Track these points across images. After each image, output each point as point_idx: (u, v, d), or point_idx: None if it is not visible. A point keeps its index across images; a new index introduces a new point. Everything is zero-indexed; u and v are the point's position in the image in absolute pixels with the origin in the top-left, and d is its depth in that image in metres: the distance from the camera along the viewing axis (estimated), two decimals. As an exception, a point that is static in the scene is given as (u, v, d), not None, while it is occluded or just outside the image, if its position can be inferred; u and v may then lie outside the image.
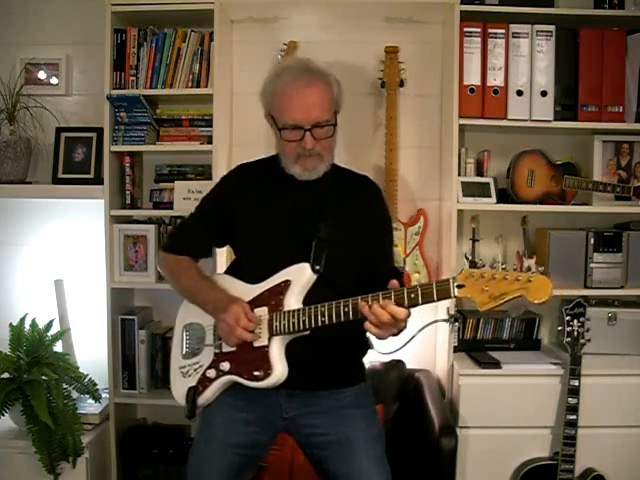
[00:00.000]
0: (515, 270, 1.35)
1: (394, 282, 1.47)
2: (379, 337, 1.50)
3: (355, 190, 1.77)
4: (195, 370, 1.71)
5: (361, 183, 1.82)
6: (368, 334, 1.77)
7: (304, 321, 1.53)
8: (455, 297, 1.39)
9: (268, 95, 1.68)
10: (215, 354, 1.68)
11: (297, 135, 1.61)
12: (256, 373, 1.57)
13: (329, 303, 1.51)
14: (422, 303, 1.42)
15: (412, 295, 1.42)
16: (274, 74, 1.69)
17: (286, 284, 1.60)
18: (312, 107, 1.60)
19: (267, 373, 1.56)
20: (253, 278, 1.66)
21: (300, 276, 1.60)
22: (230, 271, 1.79)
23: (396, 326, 1.46)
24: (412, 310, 1.47)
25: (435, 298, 1.40)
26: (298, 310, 1.55)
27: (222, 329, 1.61)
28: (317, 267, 1.60)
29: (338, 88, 1.68)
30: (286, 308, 1.57)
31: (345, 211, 1.70)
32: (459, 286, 1.37)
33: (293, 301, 1.58)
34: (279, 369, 1.55)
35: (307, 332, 1.56)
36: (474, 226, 2.52)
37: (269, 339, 1.58)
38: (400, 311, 1.42)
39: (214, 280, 1.76)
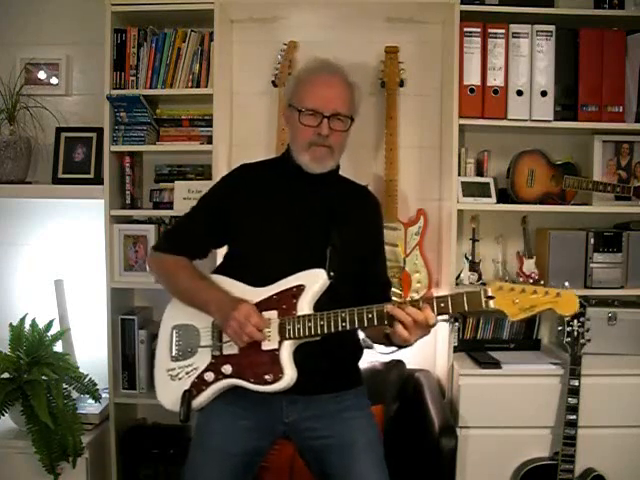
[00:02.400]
0: (537, 284, 1.42)
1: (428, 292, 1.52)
2: (405, 342, 1.49)
3: (357, 202, 1.79)
4: (187, 373, 1.67)
5: (362, 195, 1.84)
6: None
7: (322, 326, 1.52)
8: (486, 309, 1.42)
9: (292, 83, 1.73)
10: (214, 356, 1.65)
11: (315, 121, 1.64)
12: (267, 377, 1.55)
13: (350, 309, 1.51)
14: (452, 312, 1.45)
15: (442, 305, 1.45)
16: (301, 67, 1.78)
17: (299, 289, 1.58)
18: (334, 97, 1.66)
19: (278, 377, 1.54)
20: (255, 281, 1.64)
21: (315, 282, 1.58)
22: (221, 272, 1.74)
23: (425, 330, 1.48)
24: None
25: (466, 308, 1.43)
26: (315, 315, 1.54)
27: (231, 327, 1.56)
28: (332, 274, 1.59)
29: (358, 96, 1.74)
30: (299, 313, 1.56)
31: (348, 221, 1.70)
32: (490, 297, 1.41)
33: (306, 306, 1.57)
34: (289, 373, 1.54)
35: (318, 338, 1.55)
36: (474, 226, 2.53)
37: (280, 342, 1.56)
38: (433, 316, 1.45)
39: (214, 281, 1.72)
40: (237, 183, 1.79)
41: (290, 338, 1.55)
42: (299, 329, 1.54)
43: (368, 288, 1.69)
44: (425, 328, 1.47)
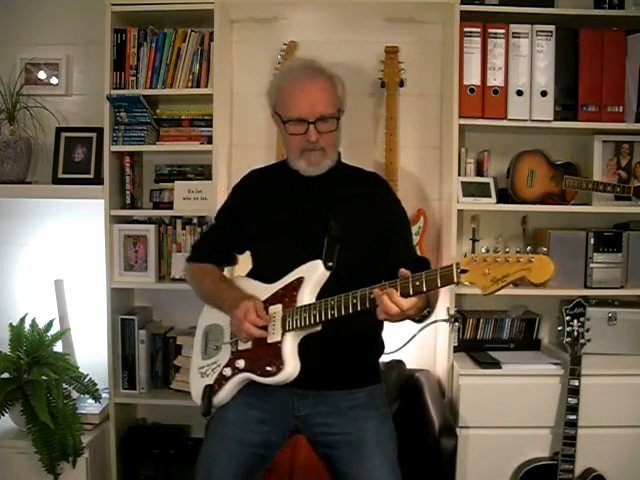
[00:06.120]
0: (518, 252, 1.33)
1: (402, 271, 1.44)
2: (390, 322, 1.50)
3: (363, 187, 1.79)
4: (213, 370, 1.74)
5: (369, 179, 1.84)
6: (382, 335, 1.80)
7: (315, 315, 1.54)
8: (458, 282, 1.37)
9: (274, 92, 1.73)
10: (232, 352, 1.71)
11: (301, 129, 1.66)
12: (268, 368, 1.59)
13: (338, 296, 1.52)
14: (427, 290, 1.41)
15: (417, 283, 1.41)
16: (280, 73, 1.78)
17: (299, 281, 1.63)
18: (316, 101, 1.65)
19: (279, 369, 1.58)
20: (269, 278, 1.69)
21: (313, 273, 1.62)
22: (250, 275, 1.82)
23: (403, 314, 1.44)
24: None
25: (439, 284, 1.39)
26: (309, 305, 1.57)
27: (233, 324, 1.65)
28: (330, 264, 1.62)
29: (342, 87, 1.74)
30: (299, 304, 1.59)
31: (354, 209, 1.71)
32: (462, 271, 1.36)
33: (307, 297, 1.60)
34: (291, 365, 1.57)
35: (319, 327, 1.57)
36: (474, 226, 2.52)
37: (282, 335, 1.60)
38: (403, 302, 1.41)
39: (233, 281, 1.80)
40: (246, 190, 1.86)
41: (291, 329, 1.59)
42: (297, 320, 1.58)
43: (394, 270, 1.53)
44: (402, 312, 1.42)
